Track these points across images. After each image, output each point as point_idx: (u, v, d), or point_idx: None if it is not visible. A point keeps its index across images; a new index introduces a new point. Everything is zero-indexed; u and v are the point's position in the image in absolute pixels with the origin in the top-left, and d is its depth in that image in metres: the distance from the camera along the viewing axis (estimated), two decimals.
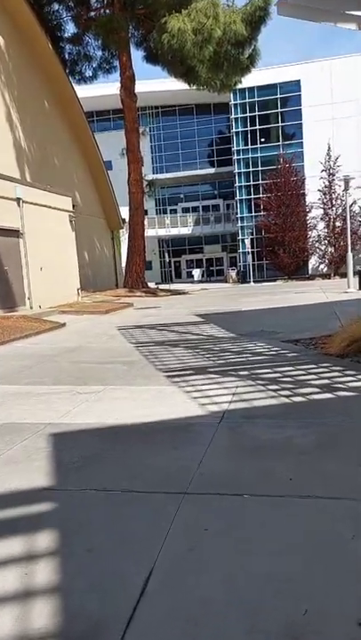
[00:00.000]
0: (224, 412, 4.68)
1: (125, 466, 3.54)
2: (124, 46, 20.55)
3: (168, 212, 44.69)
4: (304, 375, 6.01)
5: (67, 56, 22.63)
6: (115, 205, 26.70)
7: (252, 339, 9.08)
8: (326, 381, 5.64)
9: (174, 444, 3.94)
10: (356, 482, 3.05)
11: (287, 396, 5.12)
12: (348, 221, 19.83)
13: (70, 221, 16.77)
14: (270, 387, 5.56)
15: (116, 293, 20.80)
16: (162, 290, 23.58)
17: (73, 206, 17.24)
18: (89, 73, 23.44)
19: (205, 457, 3.61)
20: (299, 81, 34.75)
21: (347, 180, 16.91)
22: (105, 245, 26.57)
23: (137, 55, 29.56)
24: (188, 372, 6.65)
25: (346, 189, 17.27)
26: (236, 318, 12.30)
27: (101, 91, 36.51)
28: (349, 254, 17.41)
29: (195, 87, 22.17)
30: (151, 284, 31.43)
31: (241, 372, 6.41)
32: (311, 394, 5.15)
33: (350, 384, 5.44)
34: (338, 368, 6.24)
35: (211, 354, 7.93)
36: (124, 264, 25.81)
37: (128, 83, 21.13)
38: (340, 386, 5.39)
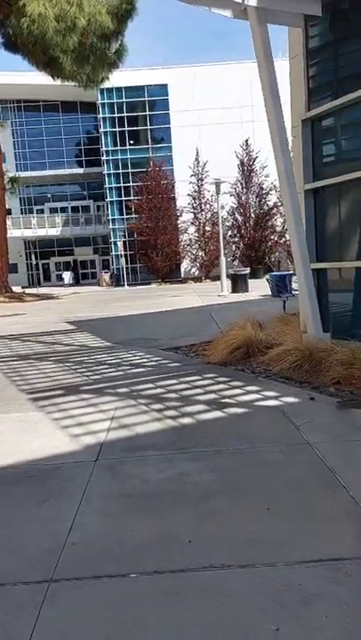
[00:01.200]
0: (101, 445, 3.88)
1: None
2: None
3: (34, 211, 42.20)
4: (189, 389, 5.45)
5: None
6: None
7: (129, 348, 8.37)
8: (214, 396, 5.12)
9: (37, 497, 3.05)
10: (268, 535, 2.46)
11: (174, 418, 4.47)
12: (221, 225, 20.14)
13: None
14: (154, 406, 4.88)
15: None
16: (28, 294, 21.84)
17: None
18: None
19: (79, 515, 2.79)
20: (166, 85, 35.01)
21: (218, 184, 17.11)
22: None
23: None
24: (57, 393, 5.71)
25: (218, 193, 17.46)
26: (111, 325, 11.51)
27: None
28: (222, 258, 17.61)
29: (59, 80, 20.86)
30: (17, 289, 29.22)
31: (120, 389, 5.65)
32: (199, 412, 4.57)
33: (239, 398, 4.98)
34: (223, 379, 5.78)
35: (84, 367, 7.05)
36: None
37: None
38: (229, 401, 4.90)
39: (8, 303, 18.27)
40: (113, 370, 6.80)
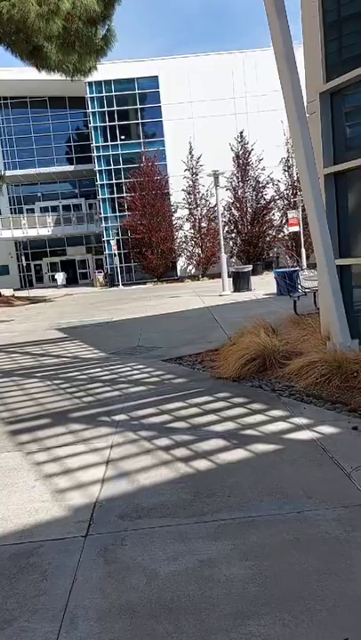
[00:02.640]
0: (93, 508, 2.95)
1: None
2: None
3: (24, 211, 41.02)
4: (201, 415, 4.51)
5: None
6: None
7: (127, 359, 7.43)
8: (232, 425, 4.19)
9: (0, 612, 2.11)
10: None
11: (186, 460, 3.54)
12: (220, 219, 19.14)
13: None
14: (159, 441, 3.95)
15: None
16: (18, 297, 20.81)
17: None
18: None
19: None
20: (157, 77, 33.89)
21: (216, 175, 16.11)
22: None
23: None
24: (42, 423, 4.77)
25: (216, 185, 16.48)
26: (106, 331, 10.55)
27: None
28: (223, 255, 16.63)
29: (44, 72, 19.77)
30: (7, 291, 28.18)
31: (117, 416, 4.71)
32: (218, 451, 3.64)
33: (264, 428, 4.05)
34: (240, 400, 4.86)
35: (75, 386, 6.10)
36: None
37: None
38: (252, 433, 3.97)
39: None
40: (108, 388, 5.86)
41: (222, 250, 16.79)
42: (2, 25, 16.47)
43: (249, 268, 16.22)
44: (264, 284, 17.52)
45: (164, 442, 3.92)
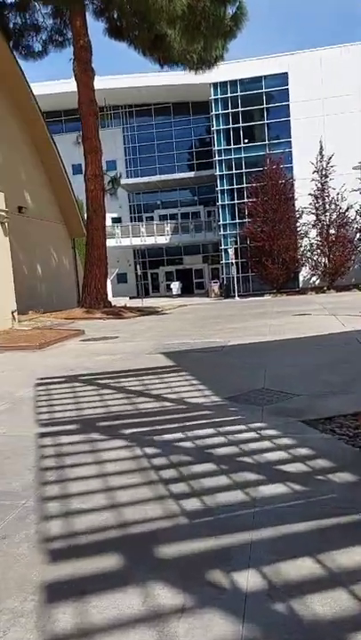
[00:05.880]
0: None
1: None
2: (78, 8, 16.58)
3: (144, 219, 40.77)
4: None
5: (11, 26, 18.67)
6: (76, 209, 22.69)
7: (249, 413, 5.15)
8: None
9: None
10: None
11: None
12: None
13: (1, 223, 12.69)
14: None
15: (71, 315, 16.75)
16: (130, 308, 19.57)
17: (6, 204, 13.16)
18: (38, 47, 19.46)
19: None
20: (286, 74, 31.34)
21: None
22: (64, 256, 22.51)
23: (97, 28, 24.11)
24: (113, 564, 2.68)
25: None
26: (220, 360, 8.37)
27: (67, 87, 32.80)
28: None
29: (167, 67, 18.45)
30: (122, 300, 27.47)
31: (241, 574, 2.46)
32: None
33: None
34: None
35: (174, 466, 3.96)
36: None
37: (83, 54, 17.16)
38: None
39: (105, 320, 16.05)
40: (225, 480, 3.61)
41: None
42: (124, 15, 15.32)
43: None
44: None
45: None
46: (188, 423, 5.02)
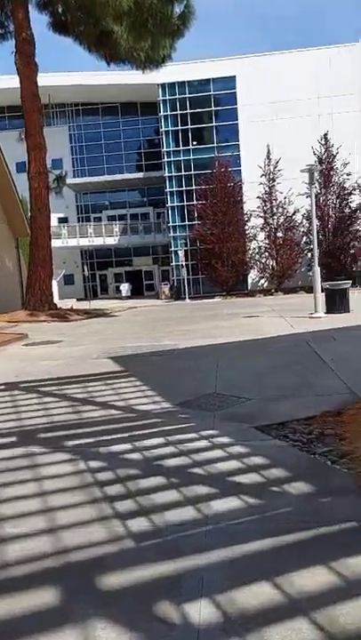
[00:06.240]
0: None
1: None
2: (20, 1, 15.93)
3: (92, 219, 39.99)
4: None
5: None
6: (19, 208, 21.82)
7: (200, 420, 4.93)
8: None
9: None
10: None
11: None
12: (315, 224, 16.24)
13: None
14: None
15: (14, 317, 16.01)
16: (76, 311, 18.99)
17: None
18: None
19: None
20: (234, 77, 31.64)
21: (312, 172, 13.35)
22: (7, 256, 21.58)
23: (41, 22, 23.23)
24: (50, 600, 2.36)
25: (311, 183, 13.70)
26: (171, 364, 8.14)
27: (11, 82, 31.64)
28: (316, 268, 13.67)
29: (114, 65, 18.08)
30: (70, 302, 26.71)
31: (191, 605, 2.21)
32: None
33: None
34: None
35: (120, 480, 3.66)
36: None
37: (25, 47, 16.47)
38: None
39: (50, 323, 15.44)
40: (175, 495, 3.36)
41: (315, 259, 13.85)
42: (69, 9, 14.83)
43: (347, 284, 13.23)
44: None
45: None
46: (136, 432, 4.74)
